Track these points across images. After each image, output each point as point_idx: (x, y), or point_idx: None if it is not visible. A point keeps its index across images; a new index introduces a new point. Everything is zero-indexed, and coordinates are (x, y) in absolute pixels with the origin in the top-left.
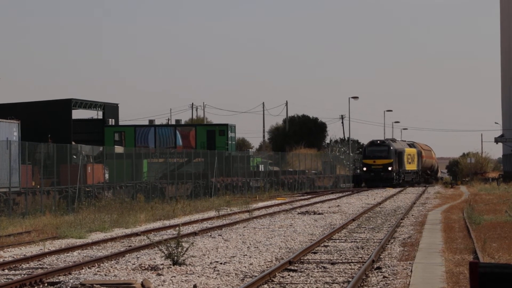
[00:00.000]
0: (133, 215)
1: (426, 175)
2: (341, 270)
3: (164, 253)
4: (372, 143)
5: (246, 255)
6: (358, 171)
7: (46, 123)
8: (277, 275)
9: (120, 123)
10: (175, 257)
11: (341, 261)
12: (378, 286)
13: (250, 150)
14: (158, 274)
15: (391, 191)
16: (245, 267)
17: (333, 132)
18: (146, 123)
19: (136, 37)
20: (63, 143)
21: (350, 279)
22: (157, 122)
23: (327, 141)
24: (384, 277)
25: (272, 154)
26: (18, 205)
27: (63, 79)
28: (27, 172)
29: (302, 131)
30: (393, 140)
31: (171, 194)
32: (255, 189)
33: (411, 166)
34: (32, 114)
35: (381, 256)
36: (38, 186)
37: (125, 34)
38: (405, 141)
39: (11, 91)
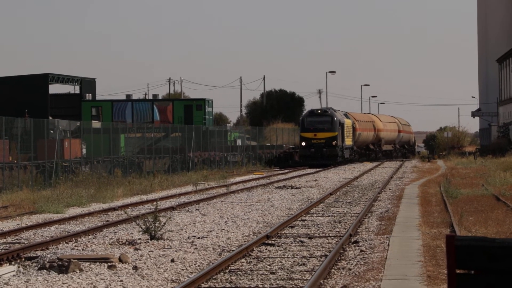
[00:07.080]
0: (110, 190)
1: (368, 151)
2: (319, 244)
3: (141, 228)
4: (312, 113)
5: (223, 229)
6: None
7: (23, 98)
8: (254, 249)
9: (97, 98)
10: (153, 232)
11: (318, 235)
12: (356, 260)
13: (228, 124)
14: (136, 249)
15: (368, 165)
16: (223, 241)
17: (311, 107)
18: (124, 97)
19: (118, 8)
20: (40, 118)
21: (327, 253)
22: (134, 97)
23: None
24: (361, 251)
25: (250, 128)
26: None
27: (40, 53)
28: (4, 147)
29: (279, 106)
30: (335, 110)
31: (148, 169)
32: (232, 164)
33: (348, 141)
34: (9, 89)
35: (358, 230)
36: (15, 161)
37: (106, 4)
38: (339, 110)
39: None
